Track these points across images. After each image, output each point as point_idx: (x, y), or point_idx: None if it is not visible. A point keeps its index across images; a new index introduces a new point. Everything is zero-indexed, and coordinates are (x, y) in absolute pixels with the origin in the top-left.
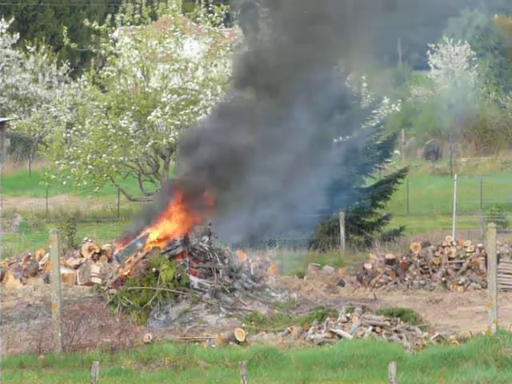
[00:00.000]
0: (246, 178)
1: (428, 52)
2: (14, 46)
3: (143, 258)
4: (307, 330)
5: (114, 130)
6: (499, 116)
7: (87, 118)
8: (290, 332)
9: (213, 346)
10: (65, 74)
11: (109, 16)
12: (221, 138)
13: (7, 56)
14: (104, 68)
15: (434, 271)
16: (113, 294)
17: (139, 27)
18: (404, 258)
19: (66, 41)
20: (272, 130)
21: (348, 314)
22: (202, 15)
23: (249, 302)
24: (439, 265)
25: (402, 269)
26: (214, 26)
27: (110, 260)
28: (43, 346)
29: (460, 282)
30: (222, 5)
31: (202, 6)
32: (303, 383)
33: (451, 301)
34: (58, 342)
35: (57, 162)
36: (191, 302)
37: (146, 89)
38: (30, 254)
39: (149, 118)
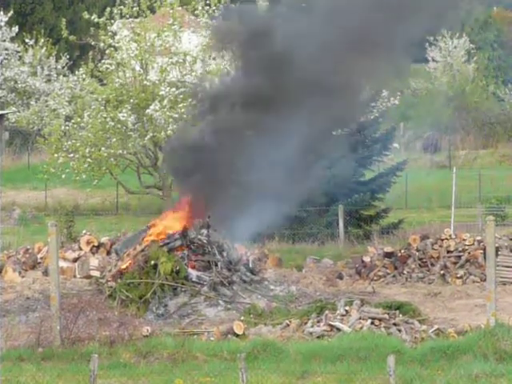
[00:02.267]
0: (245, 172)
1: (426, 45)
2: (12, 39)
3: (142, 250)
4: (306, 323)
5: (112, 123)
6: (498, 109)
7: (86, 111)
8: (288, 325)
9: (211, 338)
10: (63, 67)
11: (108, 9)
12: (220, 129)
13: (6, 49)
14: (103, 61)
15: (432, 264)
16: (111, 286)
17: (138, 20)
18: (403, 251)
19: (65, 33)
20: (271, 123)
21: (347, 307)
22: (200, 8)
23: (247, 294)
24: (438, 258)
25: (401, 262)
26: (211, 19)
27: (108, 253)
28: (42, 339)
29: (459, 275)
30: None
31: None
32: (302, 376)
33: (450, 294)
34: (56, 335)
35: (56, 155)
36: (190, 295)
37: (145, 82)
38: (28, 247)
39: (147, 111)
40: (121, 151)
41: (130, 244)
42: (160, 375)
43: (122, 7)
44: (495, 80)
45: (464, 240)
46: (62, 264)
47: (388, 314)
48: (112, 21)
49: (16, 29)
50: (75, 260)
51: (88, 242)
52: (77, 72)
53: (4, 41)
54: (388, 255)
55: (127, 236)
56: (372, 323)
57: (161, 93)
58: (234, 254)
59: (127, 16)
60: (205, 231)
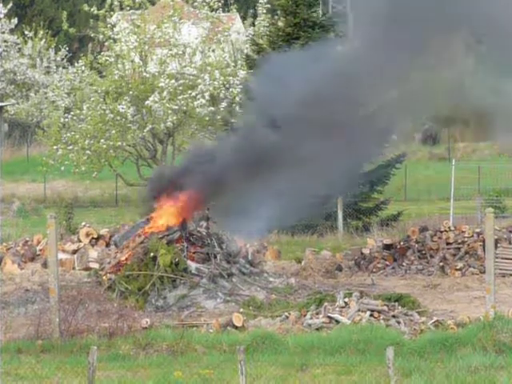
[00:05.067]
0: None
1: None
2: (12, 31)
3: (141, 243)
4: (305, 315)
5: (111, 115)
6: (497, 101)
7: (85, 103)
8: (287, 317)
9: (210, 330)
10: (63, 59)
11: (108, 1)
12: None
13: (5, 41)
14: (102, 53)
15: (431, 256)
16: (111, 278)
17: (138, 12)
18: (402, 243)
19: (65, 25)
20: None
21: (346, 299)
22: (200, 0)
23: (246, 286)
24: (437, 250)
25: (400, 254)
26: (211, 10)
27: (107, 245)
28: (41, 331)
29: (458, 267)
30: None
31: None
32: (301, 368)
33: (449, 286)
34: (55, 327)
35: (55, 147)
36: (189, 287)
37: (144, 74)
38: (27, 239)
39: (147, 102)
40: (120, 143)
41: (128, 236)
42: (159, 367)
43: None
44: (495, 72)
45: (463, 232)
46: (61, 256)
47: (387, 305)
48: (112, 12)
49: (15, 21)
50: (74, 252)
51: (87, 234)
52: (76, 64)
53: (3, 33)
54: (387, 247)
55: (126, 228)
56: (371, 315)
57: (160, 85)
58: (233, 246)
59: (127, 8)
60: (204, 223)
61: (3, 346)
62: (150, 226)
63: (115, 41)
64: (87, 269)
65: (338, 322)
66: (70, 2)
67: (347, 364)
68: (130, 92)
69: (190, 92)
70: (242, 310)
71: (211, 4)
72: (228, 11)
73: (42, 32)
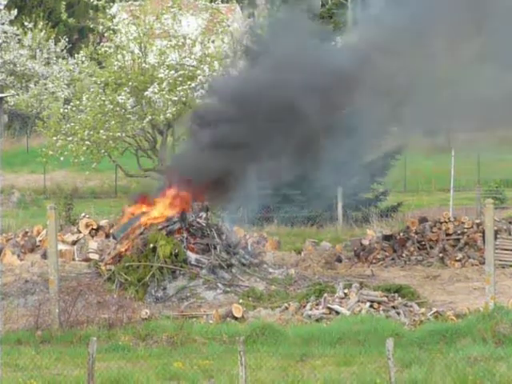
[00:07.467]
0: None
1: None
2: (11, 23)
3: (141, 234)
4: (305, 306)
5: (111, 106)
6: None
7: (85, 94)
8: (287, 308)
9: (210, 321)
10: (62, 50)
11: None
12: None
13: (5, 32)
14: (102, 44)
15: (431, 247)
16: (110, 269)
17: (137, 3)
18: (401, 233)
19: (64, 16)
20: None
21: (345, 290)
22: None
23: (246, 277)
24: (437, 241)
25: (400, 245)
26: (211, 1)
27: (107, 236)
28: (41, 322)
29: (457, 258)
30: None
31: None
32: (301, 359)
33: (449, 277)
34: (55, 318)
35: (54, 138)
36: (188, 278)
37: (144, 65)
38: (27, 229)
39: (146, 93)
40: (119, 134)
41: (127, 228)
42: (159, 358)
43: None
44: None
45: (463, 223)
46: (61, 247)
47: (387, 296)
48: (111, 3)
49: (15, 12)
50: (74, 243)
51: (87, 225)
52: (76, 55)
53: (3, 24)
54: (387, 238)
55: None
56: (371, 306)
57: (160, 75)
58: (232, 236)
59: None
60: (204, 214)
61: (3, 337)
62: (149, 218)
63: (115, 32)
64: (87, 260)
65: (337, 312)
66: None
67: (347, 355)
68: (130, 83)
69: (189, 83)
70: (241, 300)
71: None
72: (227, 2)
73: (41, 23)
